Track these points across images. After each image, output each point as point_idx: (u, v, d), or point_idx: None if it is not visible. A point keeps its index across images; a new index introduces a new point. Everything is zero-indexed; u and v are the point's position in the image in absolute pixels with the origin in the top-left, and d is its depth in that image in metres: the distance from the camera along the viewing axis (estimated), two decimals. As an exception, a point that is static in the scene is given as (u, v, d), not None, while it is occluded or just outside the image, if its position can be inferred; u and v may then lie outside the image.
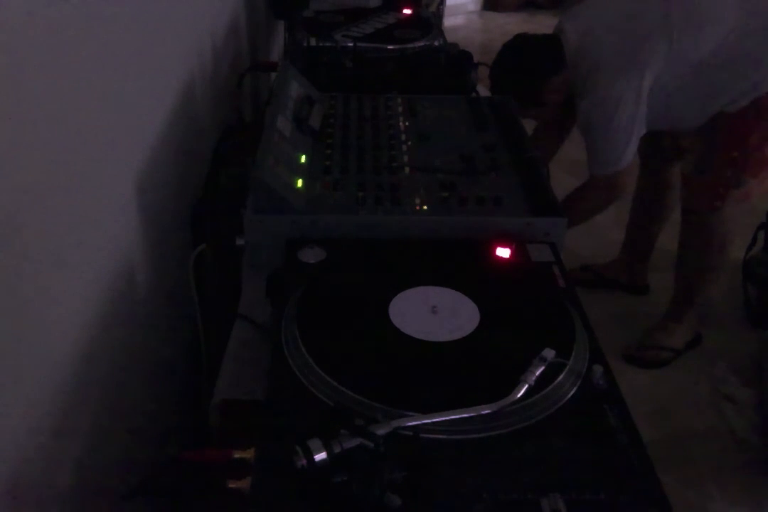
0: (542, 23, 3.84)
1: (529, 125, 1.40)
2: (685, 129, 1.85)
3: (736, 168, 1.74)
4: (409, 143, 1.29)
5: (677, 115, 1.76)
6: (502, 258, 0.99)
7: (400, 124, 1.36)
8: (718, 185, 1.79)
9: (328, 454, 0.65)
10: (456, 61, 1.68)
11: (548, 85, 1.75)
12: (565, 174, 2.26)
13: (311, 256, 0.98)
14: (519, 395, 0.73)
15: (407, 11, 2.02)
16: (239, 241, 1.07)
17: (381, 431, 0.67)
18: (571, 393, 0.76)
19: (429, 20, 1.99)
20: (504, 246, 0.99)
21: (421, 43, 1.80)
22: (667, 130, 1.89)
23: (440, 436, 0.71)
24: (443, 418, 0.71)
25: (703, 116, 1.73)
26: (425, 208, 1.11)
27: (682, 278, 2.02)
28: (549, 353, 0.76)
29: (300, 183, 1.13)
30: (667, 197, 2.15)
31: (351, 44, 1.72)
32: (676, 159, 2.05)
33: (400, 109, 1.42)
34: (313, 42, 1.76)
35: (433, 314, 0.86)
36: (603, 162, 1.72)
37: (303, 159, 1.20)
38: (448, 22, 4.12)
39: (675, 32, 1.61)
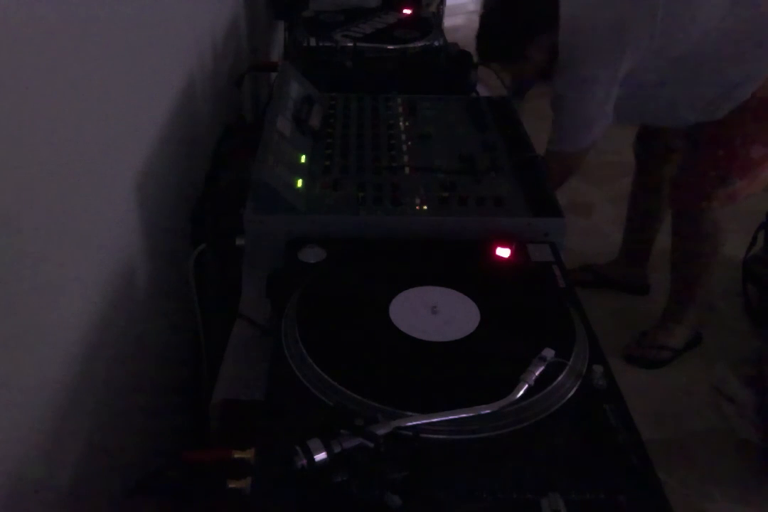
0: (542, 23, 3.80)
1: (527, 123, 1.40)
2: (678, 126, 1.84)
3: (721, 168, 1.75)
4: (409, 143, 1.29)
5: (663, 110, 1.75)
6: (502, 258, 0.99)
7: (400, 124, 1.36)
8: (704, 185, 1.79)
9: (328, 454, 0.65)
10: (456, 61, 1.68)
11: (535, 40, 1.70)
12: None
13: (311, 255, 0.98)
14: (519, 395, 0.73)
15: (407, 11, 2.02)
16: (239, 241, 1.07)
17: (381, 431, 0.67)
18: (571, 393, 0.76)
19: (429, 20, 1.99)
20: (504, 246, 0.99)
21: (421, 43, 1.80)
22: (661, 127, 1.89)
23: (440, 436, 0.71)
24: (443, 418, 0.71)
25: (692, 113, 1.73)
26: (425, 208, 1.11)
27: (678, 278, 2.02)
28: (549, 353, 0.77)
29: (300, 183, 1.13)
30: (661, 197, 2.15)
31: (351, 44, 1.72)
32: (668, 159, 2.05)
33: (400, 109, 1.42)
34: (313, 42, 1.76)
35: (433, 314, 0.86)
36: (564, 139, 1.74)
37: (303, 159, 1.20)
38: (448, 22, 4.11)
39: (659, 23, 1.59)
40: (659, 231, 2.24)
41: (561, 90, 1.69)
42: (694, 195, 1.82)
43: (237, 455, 0.73)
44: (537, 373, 0.75)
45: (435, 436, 0.71)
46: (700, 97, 1.69)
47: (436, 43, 1.82)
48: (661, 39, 1.60)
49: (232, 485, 0.70)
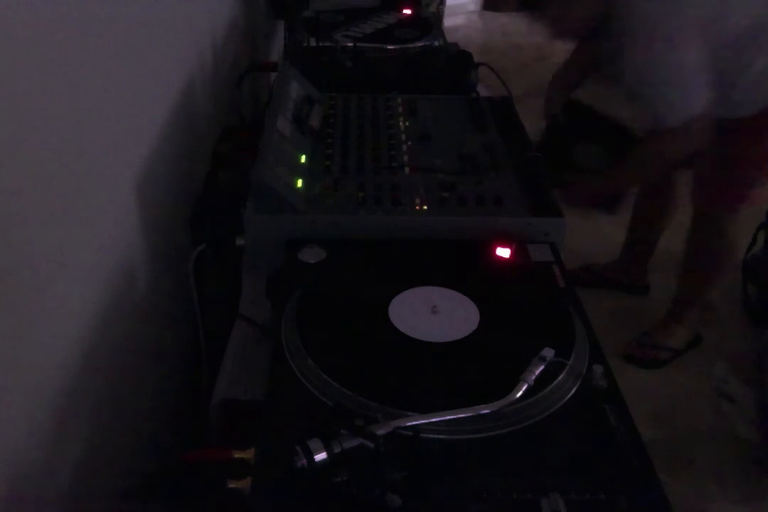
0: (542, 23, 3.79)
1: (528, 122, 1.39)
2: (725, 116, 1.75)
3: (754, 167, 1.69)
4: (409, 143, 1.29)
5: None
6: (502, 258, 0.99)
7: (400, 124, 1.36)
8: (741, 185, 1.74)
9: (328, 454, 0.65)
10: (456, 61, 1.68)
11: None
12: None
13: (311, 255, 0.98)
14: (519, 395, 0.73)
15: (407, 11, 2.02)
16: (239, 241, 1.07)
17: (381, 431, 0.67)
18: (571, 393, 0.77)
19: (429, 20, 1.99)
20: (504, 246, 0.99)
21: (421, 43, 1.80)
22: None
23: (440, 436, 0.71)
24: (443, 418, 0.71)
25: (730, 101, 1.60)
26: (425, 208, 1.11)
27: (689, 279, 2.01)
28: (548, 352, 0.77)
29: (300, 183, 1.13)
30: (669, 201, 2.14)
31: (351, 44, 1.72)
32: (681, 162, 2.03)
33: (400, 109, 1.42)
34: (313, 42, 1.76)
35: (433, 314, 0.86)
36: (673, 108, 1.50)
37: (303, 159, 1.20)
38: (448, 22, 4.11)
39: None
40: (663, 232, 2.23)
41: (636, 58, 1.48)
42: (729, 195, 1.77)
43: (237, 455, 0.73)
44: (537, 373, 0.75)
45: (435, 436, 0.71)
46: (739, 86, 1.57)
47: (436, 43, 1.82)
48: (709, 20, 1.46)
49: (232, 485, 0.70)
